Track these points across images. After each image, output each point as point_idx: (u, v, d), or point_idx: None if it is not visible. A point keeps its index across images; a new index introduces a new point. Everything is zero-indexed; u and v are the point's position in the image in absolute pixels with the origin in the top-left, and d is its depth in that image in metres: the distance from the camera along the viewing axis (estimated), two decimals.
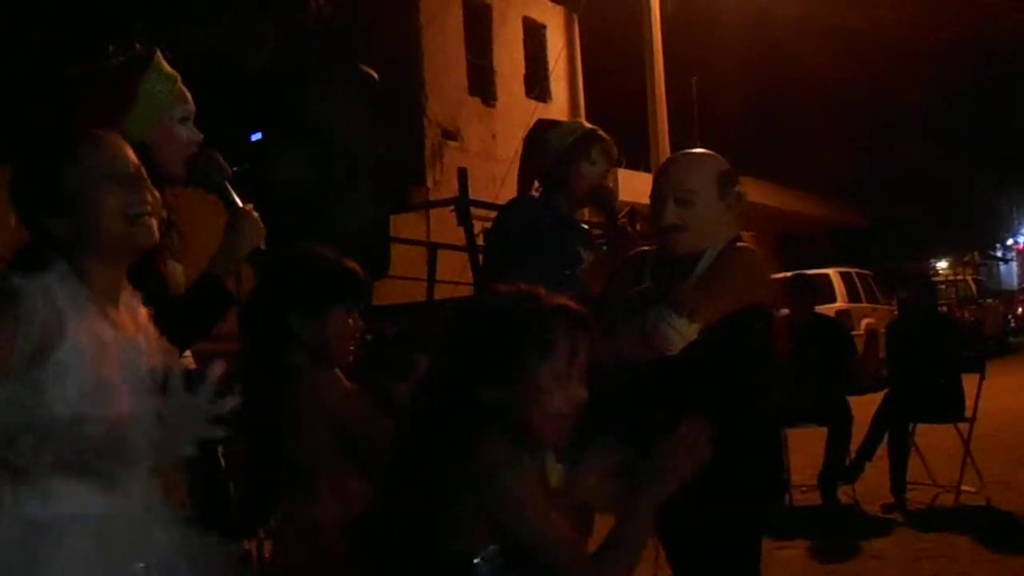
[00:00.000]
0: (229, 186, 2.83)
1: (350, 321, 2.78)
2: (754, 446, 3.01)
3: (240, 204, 2.82)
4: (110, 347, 2.20)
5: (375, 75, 5.12)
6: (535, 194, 4.17)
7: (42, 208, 2.22)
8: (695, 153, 3.15)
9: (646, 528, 2.15)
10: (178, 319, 2.59)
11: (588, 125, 4.27)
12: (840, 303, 16.22)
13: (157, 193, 2.32)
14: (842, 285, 17.14)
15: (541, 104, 20.14)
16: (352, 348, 2.79)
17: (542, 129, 4.28)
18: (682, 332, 2.70)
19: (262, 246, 2.83)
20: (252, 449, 2.86)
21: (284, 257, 2.81)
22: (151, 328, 2.34)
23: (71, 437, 2.10)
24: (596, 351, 2.17)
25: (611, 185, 4.28)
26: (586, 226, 4.37)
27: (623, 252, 3.77)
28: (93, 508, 2.15)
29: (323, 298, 2.74)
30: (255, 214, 2.82)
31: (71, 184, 2.22)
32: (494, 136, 18.60)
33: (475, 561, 2.05)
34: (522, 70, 20.36)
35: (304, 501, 2.69)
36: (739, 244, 3.02)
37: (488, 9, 19.49)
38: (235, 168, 2.93)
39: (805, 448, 7.57)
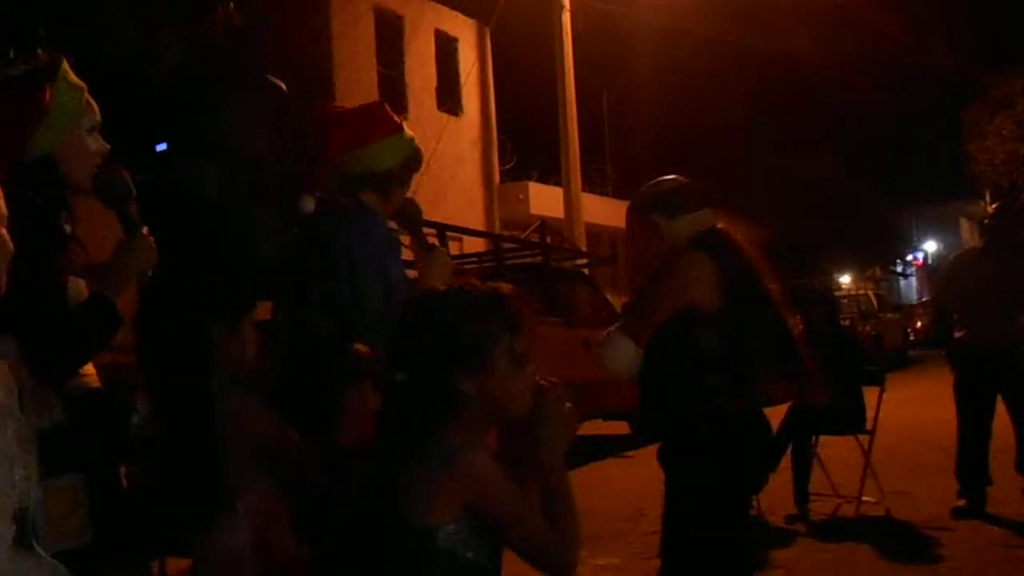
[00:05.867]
0: (130, 206, 2.74)
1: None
2: (707, 446, 3.14)
3: (138, 226, 2.73)
4: None
5: (283, 86, 5.06)
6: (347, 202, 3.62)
7: None
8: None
9: (570, 493, 2.21)
10: (67, 338, 2.52)
11: (410, 133, 3.68)
12: None
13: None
14: None
15: (452, 117, 20.15)
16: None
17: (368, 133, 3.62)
18: (621, 353, 2.83)
19: (151, 271, 2.76)
20: (167, 470, 2.76)
21: (196, 269, 2.74)
22: None
23: None
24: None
25: (414, 199, 3.76)
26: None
27: (439, 273, 3.47)
28: None
29: (238, 309, 2.69)
30: (151, 239, 2.74)
31: None
32: None
33: (437, 529, 2.05)
34: (434, 83, 20.35)
35: (224, 526, 2.63)
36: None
37: (400, 21, 19.46)
38: (139, 178, 2.85)
39: None
